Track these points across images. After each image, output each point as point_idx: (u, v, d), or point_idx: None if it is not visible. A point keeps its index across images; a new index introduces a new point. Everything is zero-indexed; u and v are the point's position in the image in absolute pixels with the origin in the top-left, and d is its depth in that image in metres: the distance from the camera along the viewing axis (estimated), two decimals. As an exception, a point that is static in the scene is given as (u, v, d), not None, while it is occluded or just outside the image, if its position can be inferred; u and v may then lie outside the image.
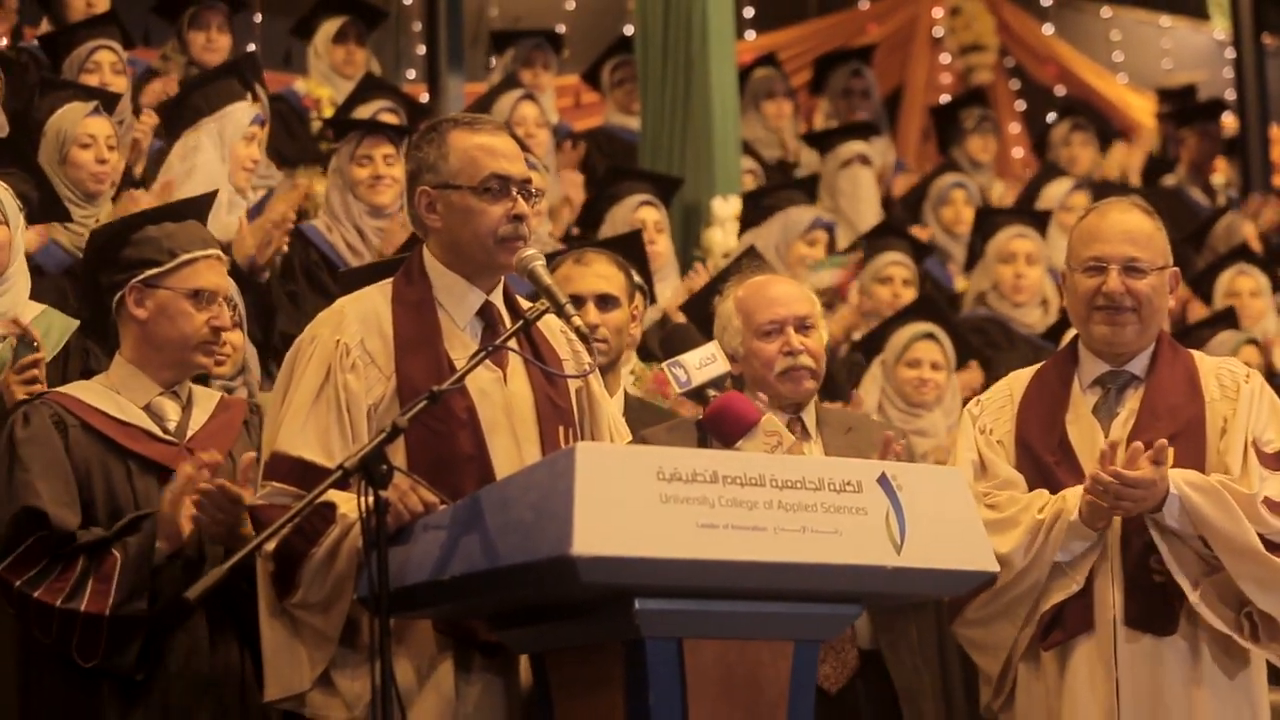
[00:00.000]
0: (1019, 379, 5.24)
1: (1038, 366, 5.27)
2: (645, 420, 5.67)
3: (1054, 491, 4.96)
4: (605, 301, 5.81)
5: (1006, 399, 5.20)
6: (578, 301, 5.67)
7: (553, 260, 5.95)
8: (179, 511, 4.68)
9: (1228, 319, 9.44)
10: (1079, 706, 4.90)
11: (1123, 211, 5.12)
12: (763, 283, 5.63)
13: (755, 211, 9.38)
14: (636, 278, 6.08)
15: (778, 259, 8.66)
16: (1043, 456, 5.04)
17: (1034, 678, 5.02)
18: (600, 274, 5.84)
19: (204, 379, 5.42)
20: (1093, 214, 5.15)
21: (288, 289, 7.56)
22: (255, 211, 7.63)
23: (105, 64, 8.11)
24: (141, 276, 4.99)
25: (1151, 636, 4.88)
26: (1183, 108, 13.84)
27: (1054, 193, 10.98)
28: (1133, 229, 5.06)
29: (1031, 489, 5.01)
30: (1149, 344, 5.11)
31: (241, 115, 7.87)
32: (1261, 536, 4.80)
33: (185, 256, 5.01)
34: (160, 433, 4.93)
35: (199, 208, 5.33)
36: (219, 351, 5.47)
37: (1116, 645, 4.89)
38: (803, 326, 5.50)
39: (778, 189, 9.66)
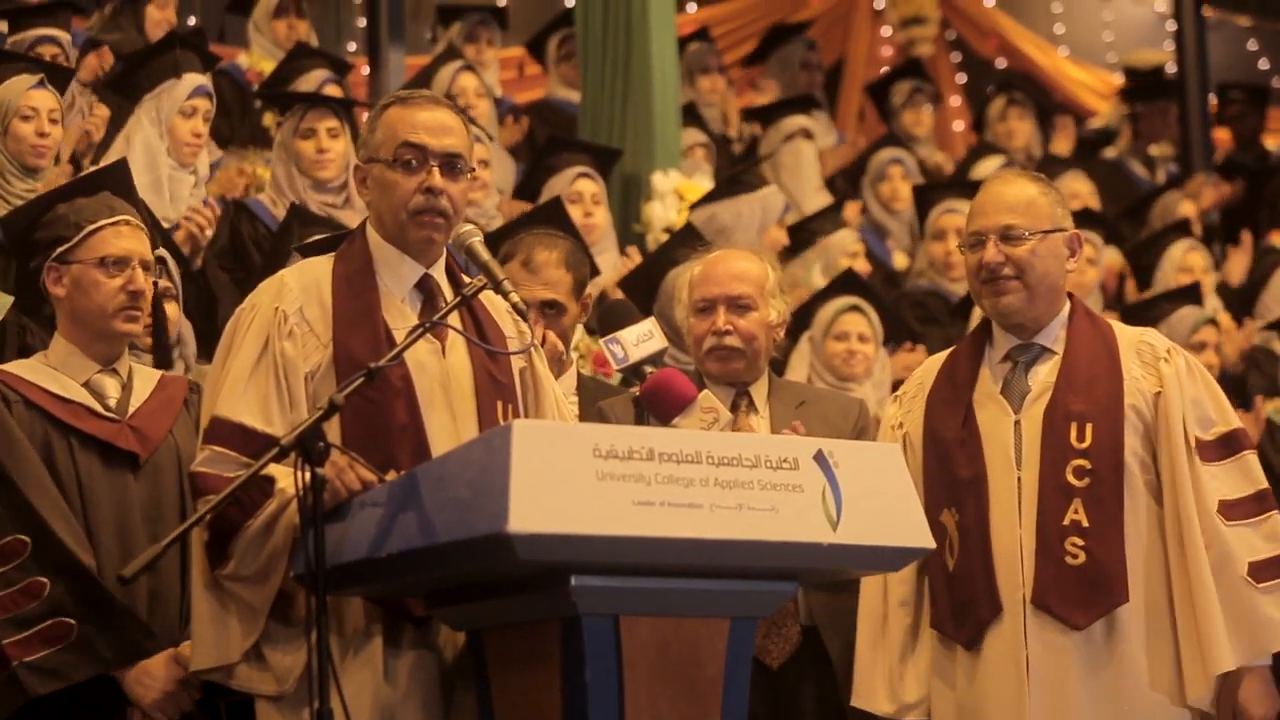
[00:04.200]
0: (933, 364, 5.19)
1: (952, 349, 5.20)
2: (600, 399, 5.62)
3: (955, 476, 4.92)
4: (550, 308, 5.68)
5: (919, 388, 5.15)
6: None
7: (502, 246, 5.91)
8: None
9: (1190, 295, 9.15)
10: (991, 692, 4.85)
11: (1003, 183, 5.07)
12: (712, 259, 5.56)
13: (723, 188, 9.27)
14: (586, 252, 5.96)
15: (756, 239, 8.62)
16: (945, 437, 4.97)
17: (945, 660, 4.98)
18: (546, 281, 5.70)
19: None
20: (980, 191, 5.10)
21: (231, 273, 7.48)
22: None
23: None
24: (54, 255, 5.02)
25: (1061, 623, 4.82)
26: (1144, 84, 13.86)
27: (987, 168, 10.89)
28: (1009, 197, 4.99)
29: (931, 480, 4.95)
30: (1048, 312, 5.02)
31: (180, 90, 7.78)
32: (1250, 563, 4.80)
33: (90, 227, 5.02)
34: (101, 409, 4.93)
35: (112, 179, 5.30)
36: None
37: (1027, 629, 4.82)
38: (735, 306, 5.45)
39: (746, 169, 9.60)
